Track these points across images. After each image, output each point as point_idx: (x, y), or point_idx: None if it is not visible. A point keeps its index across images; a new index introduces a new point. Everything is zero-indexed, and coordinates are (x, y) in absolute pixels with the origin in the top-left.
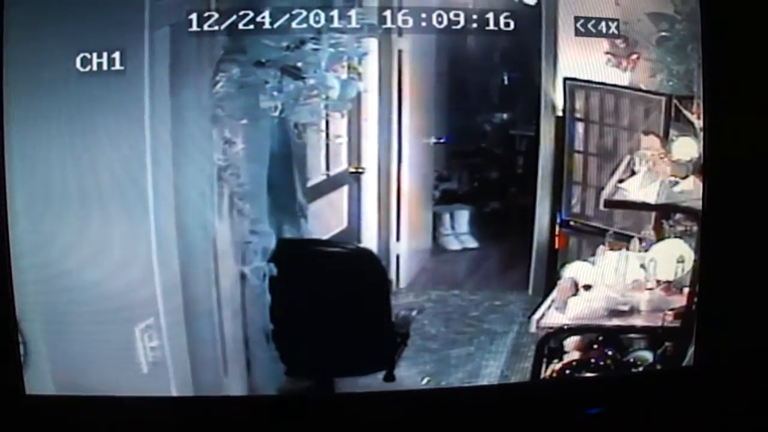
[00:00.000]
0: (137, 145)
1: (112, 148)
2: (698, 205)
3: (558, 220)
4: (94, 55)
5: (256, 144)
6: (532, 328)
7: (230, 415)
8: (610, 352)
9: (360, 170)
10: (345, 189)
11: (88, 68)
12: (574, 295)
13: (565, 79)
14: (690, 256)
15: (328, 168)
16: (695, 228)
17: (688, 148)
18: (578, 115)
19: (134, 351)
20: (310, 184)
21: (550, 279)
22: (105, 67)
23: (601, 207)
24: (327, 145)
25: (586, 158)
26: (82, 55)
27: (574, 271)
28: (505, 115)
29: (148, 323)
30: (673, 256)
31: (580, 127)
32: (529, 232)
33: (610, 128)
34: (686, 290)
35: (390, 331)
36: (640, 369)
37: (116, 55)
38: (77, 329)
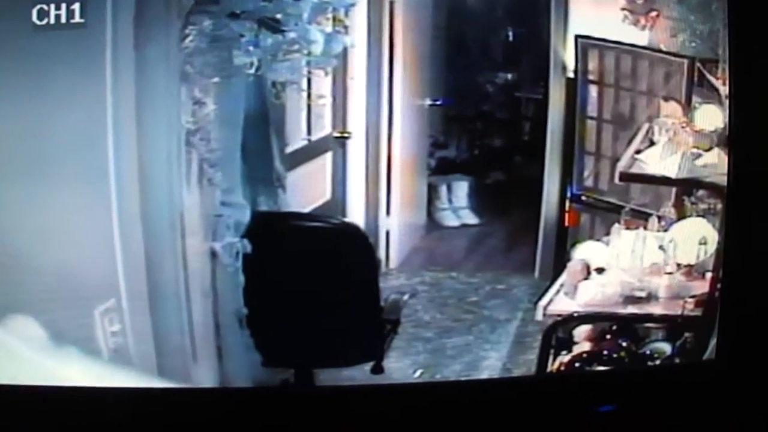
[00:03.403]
0: (97, 105)
1: (69, 109)
2: (723, 180)
3: (568, 195)
4: (52, 6)
5: (229, 105)
6: (539, 316)
7: (199, 409)
8: (624, 344)
9: (345, 135)
10: (328, 156)
11: (45, 21)
12: (586, 279)
13: (577, 37)
14: (714, 237)
15: (309, 132)
16: (719, 206)
17: (712, 116)
18: (591, 78)
19: (93, 336)
20: (289, 150)
21: (559, 261)
22: (63, 19)
23: (616, 180)
24: (308, 107)
25: (600, 125)
26: (38, 6)
27: (585, 252)
28: (509, 76)
29: (108, 306)
30: (695, 237)
31: (593, 91)
32: (536, 207)
33: (627, 93)
34: (709, 275)
35: (378, 318)
36: (657, 362)
37: (76, 6)
38: (28, 312)
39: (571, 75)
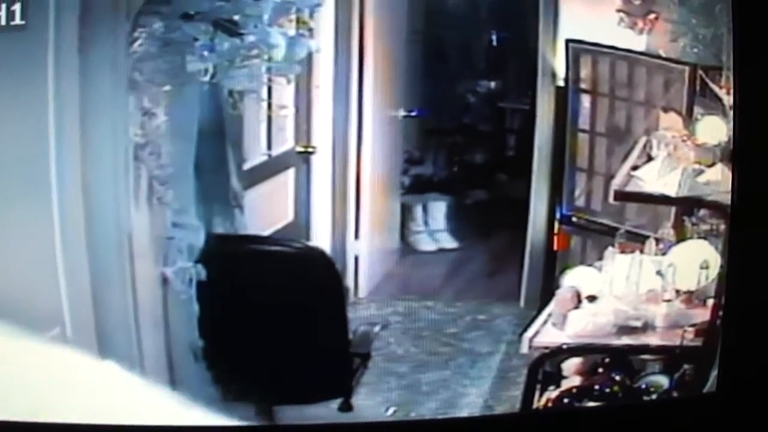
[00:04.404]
0: (37, 116)
1: (7, 120)
2: (726, 199)
3: (557, 216)
4: None
5: (182, 116)
6: (524, 349)
7: None
8: (618, 377)
9: (310, 150)
10: (291, 173)
11: None
12: (576, 308)
13: (568, 42)
14: (716, 260)
15: (269, 147)
16: (722, 227)
17: (715, 129)
18: (583, 86)
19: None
20: (247, 166)
21: (547, 288)
22: (3, 21)
23: (611, 200)
24: (269, 119)
25: (593, 139)
26: None
27: (576, 278)
28: (492, 84)
29: (53, 334)
30: (696, 261)
31: (585, 101)
32: (522, 229)
33: (623, 103)
34: (710, 302)
35: (346, 351)
36: (654, 397)
37: (16, 7)
38: None
39: (561, 83)
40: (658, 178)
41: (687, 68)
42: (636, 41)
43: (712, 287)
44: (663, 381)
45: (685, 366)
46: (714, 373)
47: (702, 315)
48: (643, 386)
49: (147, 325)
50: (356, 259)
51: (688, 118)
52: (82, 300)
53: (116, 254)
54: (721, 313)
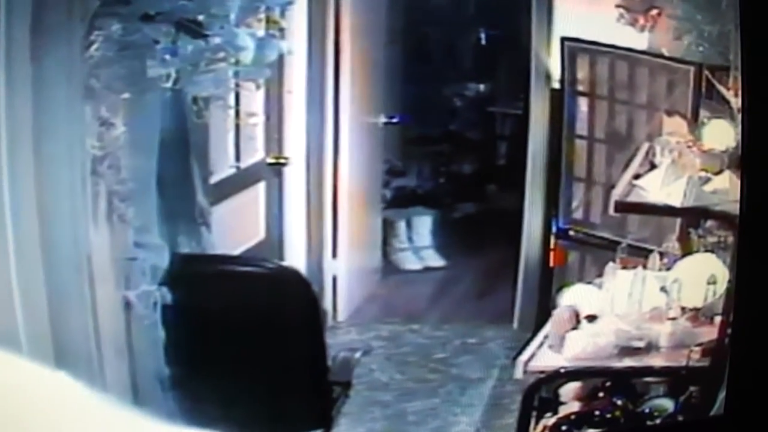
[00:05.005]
0: None
1: None
2: (735, 208)
3: (553, 230)
4: None
5: (142, 126)
6: (518, 374)
7: None
8: (619, 402)
9: (282, 161)
10: (261, 187)
11: None
12: (574, 328)
13: (563, 40)
14: (724, 275)
15: (238, 158)
16: (731, 239)
17: (722, 134)
18: (580, 88)
19: None
20: (214, 180)
21: (543, 308)
22: None
23: (611, 211)
24: (237, 127)
25: (591, 146)
26: None
27: (574, 296)
28: (481, 87)
29: None
30: (703, 276)
31: (583, 104)
32: (515, 245)
33: (623, 106)
34: (718, 319)
35: (324, 379)
36: (658, 421)
37: None
38: None
39: (556, 85)
40: (662, 187)
41: (692, 68)
42: (637, 39)
43: (719, 303)
44: (668, 404)
45: (692, 388)
46: (722, 395)
47: (709, 333)
48: (647, 410)
49: (109, 352)
50: (334, 279)
51: (694, 122)
52: (39, 327)
53: (75, 276)
54: (729, 331)
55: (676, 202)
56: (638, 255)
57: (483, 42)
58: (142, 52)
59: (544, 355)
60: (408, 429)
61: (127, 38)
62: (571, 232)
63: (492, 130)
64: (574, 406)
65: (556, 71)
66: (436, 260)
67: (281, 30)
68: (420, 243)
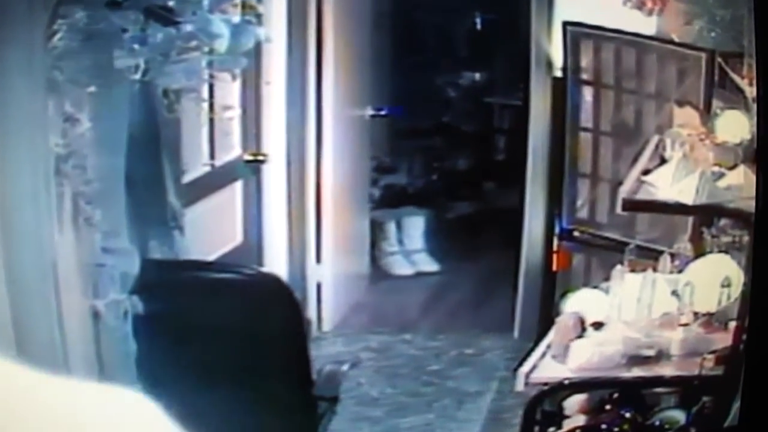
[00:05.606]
0: None
1: None
2: (750, 206)
3: (557, 230)
4: None
5: (110, 121)
6: (519, 386)
7: None
8: (628, 415)
9: (260, 158)
10: (238, 186)
11: None
12: (579, 337)
13: (566, 24)
14: (739, 277)
15: (212, 156)
16: (746, 239)
17: (737, 125)
18: (584, 77)
19: None
20: (187, 179)
21: (545, 315)
22: None
23: (619, 210)
24: (211, 122)
25: (597, 139)
26: None
27: (579, 302)
28: (477, 76)
29: None
30: (717, 278)
31: (587, 94)
32: (515, 247)
33: (631, 96)
34: (733, 325)
35: (309, 394)
36: None
37: None
38: None
39: (558, 74)
40: (673, 183)
41: (704, 55)
42: (645, 24)
43: (734, 308)
44: (679, 416)
45: (704, 398)
46: (736, 406)
47: (723, 340)
48: (657, 423)
49: (78, 365)
50: (319, 286)
51: (706, 113)
52: (3, 338)
53: (39, 285)
54: (744, 337)
55: (688, 199)
56: (648, 257)
57: (478, 27)
58: (108, 42)
59: (547, 366)
60: None
61: (92, 27)
62: (576, 233)
63: (489, 122)
64: (580, 420)
65: (558, 59)
66: (429, 264)
67: (258, 16)
68: (411, 246)
